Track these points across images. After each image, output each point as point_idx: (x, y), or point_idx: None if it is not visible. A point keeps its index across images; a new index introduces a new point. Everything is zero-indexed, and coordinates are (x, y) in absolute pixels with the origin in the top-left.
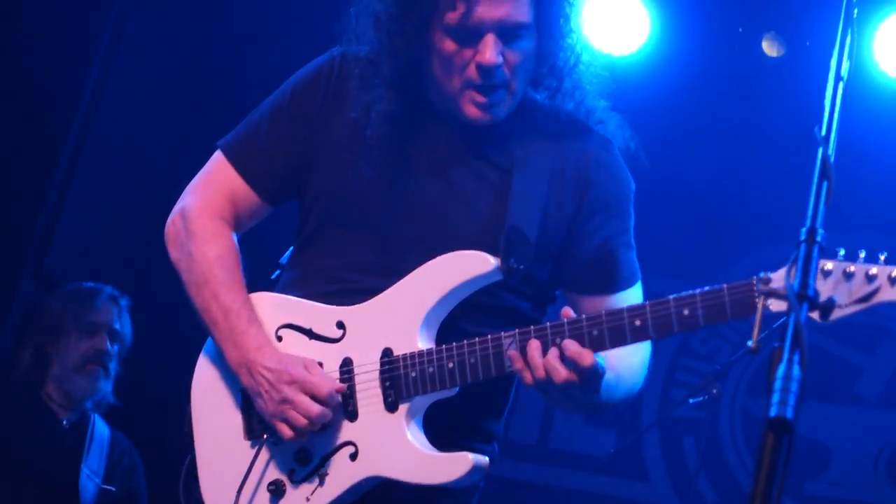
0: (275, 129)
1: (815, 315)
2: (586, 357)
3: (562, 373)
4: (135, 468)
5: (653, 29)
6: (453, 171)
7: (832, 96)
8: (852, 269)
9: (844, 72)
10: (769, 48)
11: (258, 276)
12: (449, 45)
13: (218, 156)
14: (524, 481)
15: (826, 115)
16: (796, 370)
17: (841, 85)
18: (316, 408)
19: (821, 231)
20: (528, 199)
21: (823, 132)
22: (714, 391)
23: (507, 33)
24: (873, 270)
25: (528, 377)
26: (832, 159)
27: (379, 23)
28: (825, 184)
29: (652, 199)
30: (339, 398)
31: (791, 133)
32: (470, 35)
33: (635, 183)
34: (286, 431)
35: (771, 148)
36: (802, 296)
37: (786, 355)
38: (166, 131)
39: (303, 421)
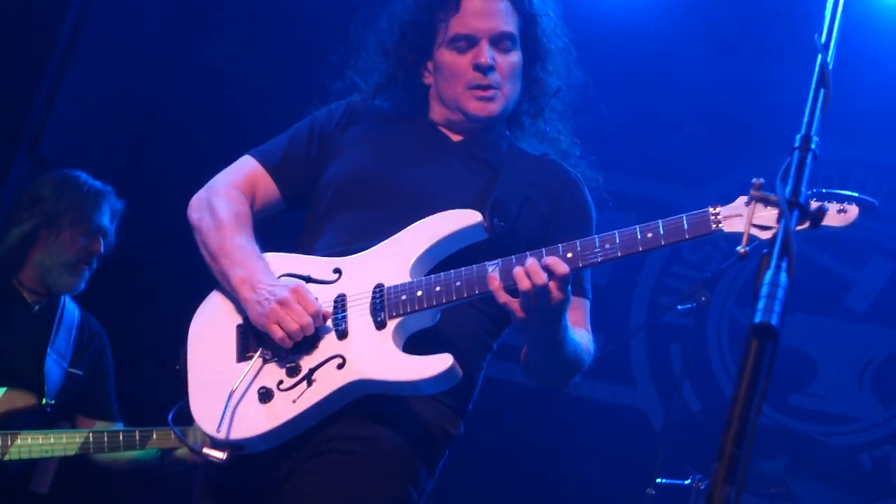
0: (295, 139)
1: (805, 225)
2: (561, 265)
3: (541, 276)
4: (104, 353)
5: None
6: (447, 161)
7: (833, 4)
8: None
9: None
10: None
11: None
12: (450, 57)
13: (245, 156)
14: (512, 381)
15: (826, 22)
16: (783, 277)
17: None
18: (307, 318)
19: (815, 138)
20: (511, 190)
21: (823, 40)
22: (703, 298)
23: (497, 42)
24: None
25: (502, 296)
26: (830, 67)
27: (387, 52)
28: (822, 91)
29: (651, 107)
30: (330, 322)
31: (793, 43)
32: (467, 44)
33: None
34: (277, 332)
35: (773, 57)
36: (794, 202)
37: (774, 262)
38: (165, 21)
39: (294, 325)
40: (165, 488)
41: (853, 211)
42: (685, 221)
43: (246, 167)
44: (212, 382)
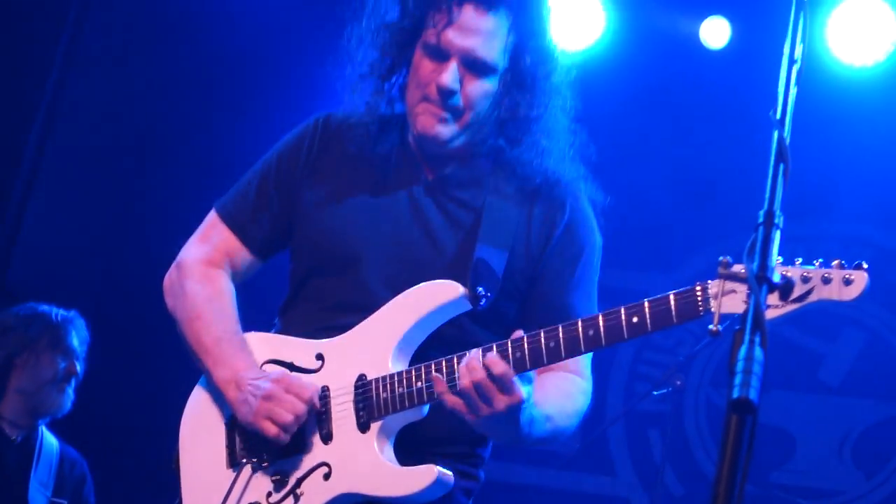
0: (262, 190)
1: (774, 298)
2: (499, 364)
3: (479, 372)
4: (85, 480)
5: (608, 24)
6: (424, 214)
7: (786, 79)
8: (788, 272)
9: (798, 55)
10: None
11: (260, 324)
12: (421, 61)
13: (212, 215)
14: (490, 480)
15: (780, 97)
16: (758, 352)
17: (795, 67)
18: (300, 405)
19: (779, 214)
20: (495, 237)
21: (778, 115)
22: (678, 383)
23: (472, 66)
24: (808, 273)
25: (449, 399)
26: (788, 142)
27: (376, 36)
28: (781, 166)
29: (611, 193)
30: (317, 404)
31: (747, 122)
32: (439, 55)
33: (595, 176)
34: (270, 429)
35: (728, 137)
36: (762, 278)
37: (747, 337)
38: (125, 143)
39: (288, 417)
40: None
41: (861, 280)
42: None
43: (215, 235)
44: (203, 492)
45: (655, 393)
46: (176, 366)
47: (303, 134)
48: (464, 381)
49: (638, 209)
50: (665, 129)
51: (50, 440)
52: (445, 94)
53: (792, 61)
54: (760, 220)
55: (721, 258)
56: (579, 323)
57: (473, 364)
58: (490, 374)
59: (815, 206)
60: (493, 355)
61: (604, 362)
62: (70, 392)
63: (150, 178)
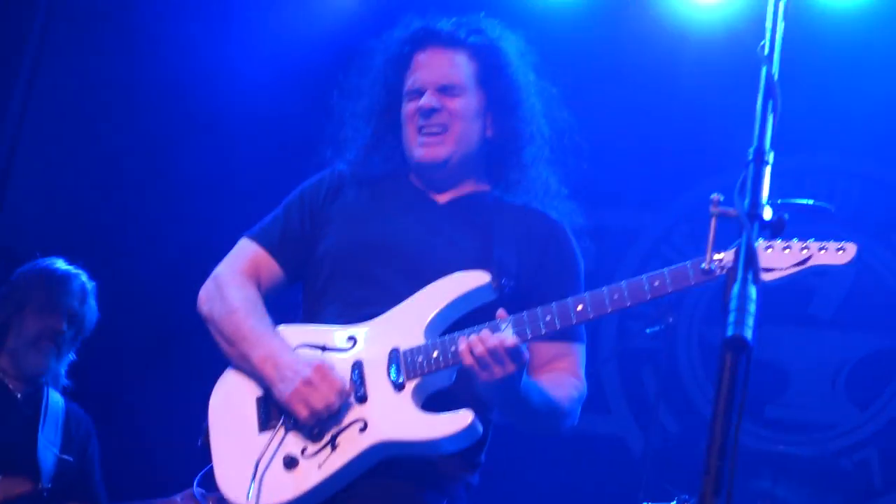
0: (289, 217)
1: (776, 260)
2: (508, 339)
3: (492, 340)
4: (90, 437)
5: None
6: (441, 227)
7: (773, 15)
8: (788, 244)
9: None
10: None
11: None
12: (407, 107)
13: (242, 240)
14: None
15: (768, 33)
16: (751, 289)
17: (782, 3)
18: (333, 397)
19: (769, 150)
20: (506, 245)
21: (766, 51)
22: (669, 320)
23: (445, 90)
24: (805, 244)
25: (468, 358)
26: (776, 78)
27: (369, 114)
28: (770, 102)
29: (599, 132)
30: (350, 396)
31: (736, 58)
32: (417, 93)
33: (580, 117)
34: (302, 411)
35: (717, 74)
36: (753, 215)
37: (740, 275)
38: (112, 94)
39: (320, 404)
40: None
41: (851, 249)
42: (690, 270)
43: (247, 251)
44: (236, 454)
45: (648, 331)
46: (178, 315)
47: (321, 176)
48: (478, 348)
49: (628, 148)
50: (654, 67)
51: (55, 398)
52: (428, 113)
53: None
54: (750, 157)
55: (712, 195)
56: (605, 289)
57: (486, 334)
58: (503, 345)
59: (803, 139)
60: (502, 332)
61: None
62: (53, 351)
63: (137, 128)
